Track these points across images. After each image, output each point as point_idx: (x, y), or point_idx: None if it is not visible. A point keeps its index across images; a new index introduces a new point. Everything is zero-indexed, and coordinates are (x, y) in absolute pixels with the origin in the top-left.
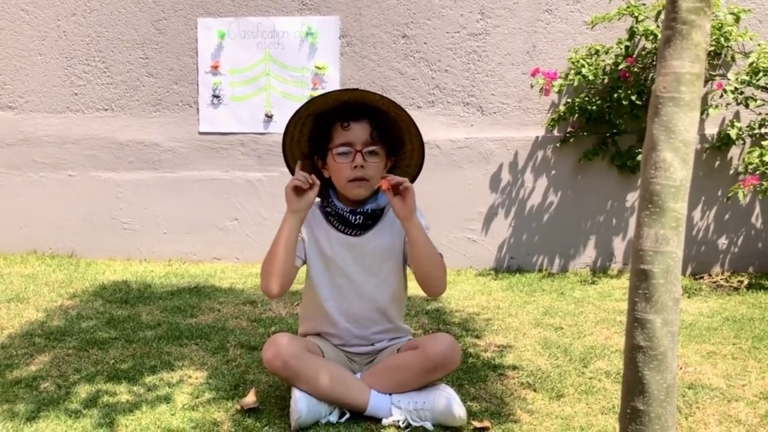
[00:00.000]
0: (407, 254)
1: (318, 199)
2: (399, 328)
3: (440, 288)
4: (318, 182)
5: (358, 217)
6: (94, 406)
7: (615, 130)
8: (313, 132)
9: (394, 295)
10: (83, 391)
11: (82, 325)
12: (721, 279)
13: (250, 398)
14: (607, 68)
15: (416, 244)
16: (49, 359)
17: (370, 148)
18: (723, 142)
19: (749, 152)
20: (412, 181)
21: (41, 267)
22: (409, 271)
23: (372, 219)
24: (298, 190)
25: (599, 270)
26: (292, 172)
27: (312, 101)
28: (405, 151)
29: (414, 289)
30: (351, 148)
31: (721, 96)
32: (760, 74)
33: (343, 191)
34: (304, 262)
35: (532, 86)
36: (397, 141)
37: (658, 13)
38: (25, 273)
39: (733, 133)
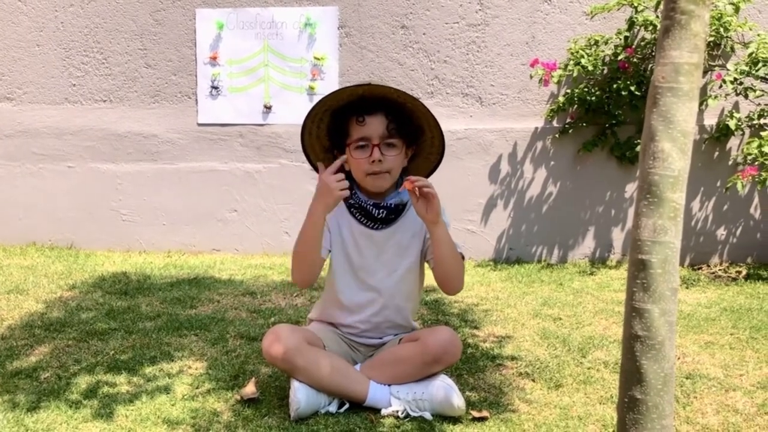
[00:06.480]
0: (426, 253)
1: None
2: (410, 326)
3: (459, 287)
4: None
5: (381, 210)
6: (94, 396)
7: (614, 121)
8: (330, 128)
9: (410, 293)
10: (83, 381)
11: (81, 317)
12: (719, 269)
13: (250, 388)
14: (607, 59)
15: (440, 244)
16: (49, 350)
17: (388, 141)
18: (722, 133)
19: (748, 143)
20: (435, 167)
21: (40, 258)
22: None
23: (395, 213)
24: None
25: (598, 261)
26: (313, 166)
27: (326, 98)
28: (425, 140)
29: None
30: (368, 142)
31: (720, 86)
32: (760, 65)
33: (362, 184)
34: (330, 251)
35: (531, 77)
36: (416, 130)
37: (658, 3)
38: (24, 264)
39: (732, 123)
